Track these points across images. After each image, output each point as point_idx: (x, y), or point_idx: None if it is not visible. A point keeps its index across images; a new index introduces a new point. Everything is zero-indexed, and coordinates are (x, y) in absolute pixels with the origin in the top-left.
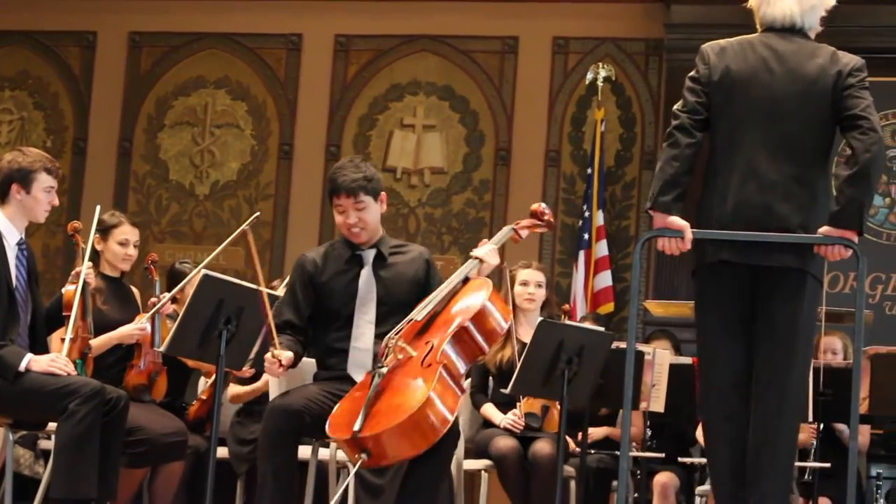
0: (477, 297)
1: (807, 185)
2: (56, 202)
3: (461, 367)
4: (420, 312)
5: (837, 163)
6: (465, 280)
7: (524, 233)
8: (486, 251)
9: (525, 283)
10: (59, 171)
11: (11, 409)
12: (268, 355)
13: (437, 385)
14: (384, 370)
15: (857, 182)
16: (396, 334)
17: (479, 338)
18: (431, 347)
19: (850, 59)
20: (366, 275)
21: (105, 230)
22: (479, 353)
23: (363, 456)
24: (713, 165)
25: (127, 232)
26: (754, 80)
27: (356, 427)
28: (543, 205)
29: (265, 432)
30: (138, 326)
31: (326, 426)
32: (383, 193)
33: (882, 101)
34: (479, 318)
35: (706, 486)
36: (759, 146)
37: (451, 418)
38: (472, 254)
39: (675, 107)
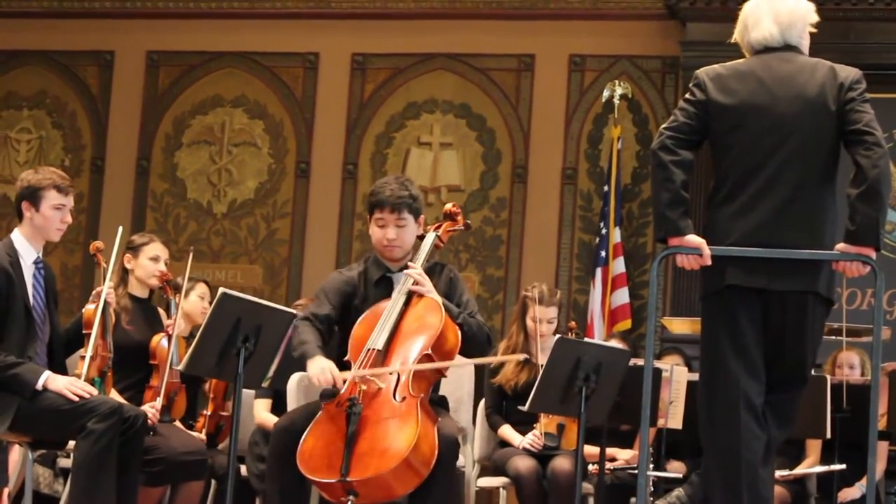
0: (432, 321)
1: (816, 205)
2: (69, 220)
3: (428, 392)
4: (378, 341)
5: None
6: (408, 299)
7: (445, 237)
8: (420, 269)
9: (538, 321)
10: (70, 188)
11: (30, 428)
12: None
13: (420, 422)
14: (360, 408)
15: (869, 199)
16: (360, 366)
17: (439, 362)
18: (399, 378)
19: (848, 72)
20: None
21: (136, 248)
22: (440, 376)
23: (351, 497)
24: (719, 193)
25: (158, 249)
26: (756, 105)
27: (343, 471)
28: (453, 203)
29: (271, 453)
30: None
31: (299, 464)
32: (423, 216)
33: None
34: (439, 343)
35: None
36: (765, 171)
37: (436, 451)
38: (406, 273)
39: (662, 126)
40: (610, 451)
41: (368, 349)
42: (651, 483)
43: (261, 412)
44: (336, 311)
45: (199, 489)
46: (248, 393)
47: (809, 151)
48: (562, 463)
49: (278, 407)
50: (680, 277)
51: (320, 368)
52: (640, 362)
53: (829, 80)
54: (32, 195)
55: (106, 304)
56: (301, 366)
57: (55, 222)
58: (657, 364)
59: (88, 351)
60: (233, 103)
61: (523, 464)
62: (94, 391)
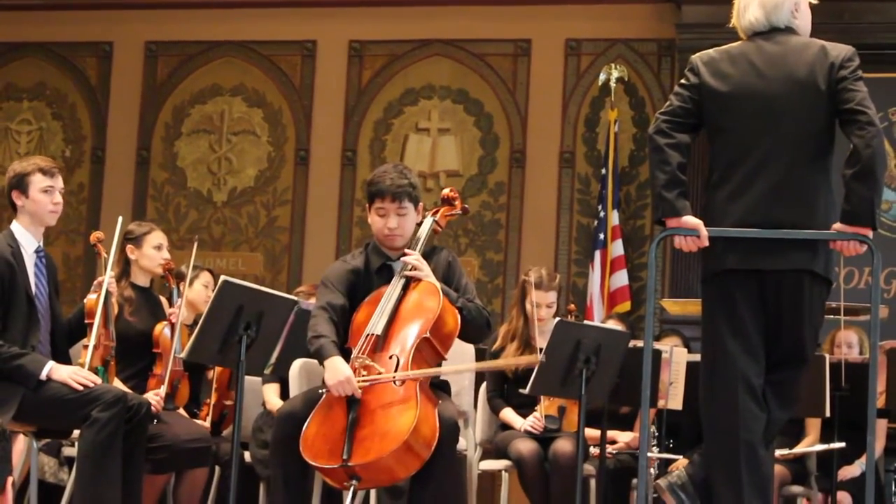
0: (430, 305)
1: (809, 185)
2: (59, 201)
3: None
4: (377, 326)
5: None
6: (407, 284)
7: (443, 221)
8: (418, 255)
9: (537, 306)
10: (56, 170)
11: (35, 418)
12: None
13: (420, 405)
14: (360, 393)
15: (863, 179)
16: (360, 352)
17: (438, 346)
18: (397, 362)
19: (840, 50)
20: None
21: (137, 238)
22: (440, 359)
23: (354, 482)
24: (713, 176)
25: (160, 237)
26: (747, 88)
27: (345, 456)
28: (450, 188)
29: (274, 439)
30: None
31: (302, 451)
32: (421, 203)
33: (892, 97)
34: (437, 326)
35: None
36: (757, 153)
37: (437, 433)
38: (403, 260)
39: (658, 111)
40: (610, 433)
41: (368, 334)
42: (655, 465)
43: (271, 397)
44: (347, 300)
45: (203, 476)
46: (251, 380)
47: (801, 132)
48: (563, 445)
49: (287, 391)
50: (678, 259)
51: (338, 380)
52: (640, 344)
53: (820, 60)
54: (20, 183)
55: (107, 293)
56: (304, 352)
57: (46, 205)
58: (656, 345)
59: (91, 340)
60: (231, 92)
61: (525, 446)
62: (98, 380)
